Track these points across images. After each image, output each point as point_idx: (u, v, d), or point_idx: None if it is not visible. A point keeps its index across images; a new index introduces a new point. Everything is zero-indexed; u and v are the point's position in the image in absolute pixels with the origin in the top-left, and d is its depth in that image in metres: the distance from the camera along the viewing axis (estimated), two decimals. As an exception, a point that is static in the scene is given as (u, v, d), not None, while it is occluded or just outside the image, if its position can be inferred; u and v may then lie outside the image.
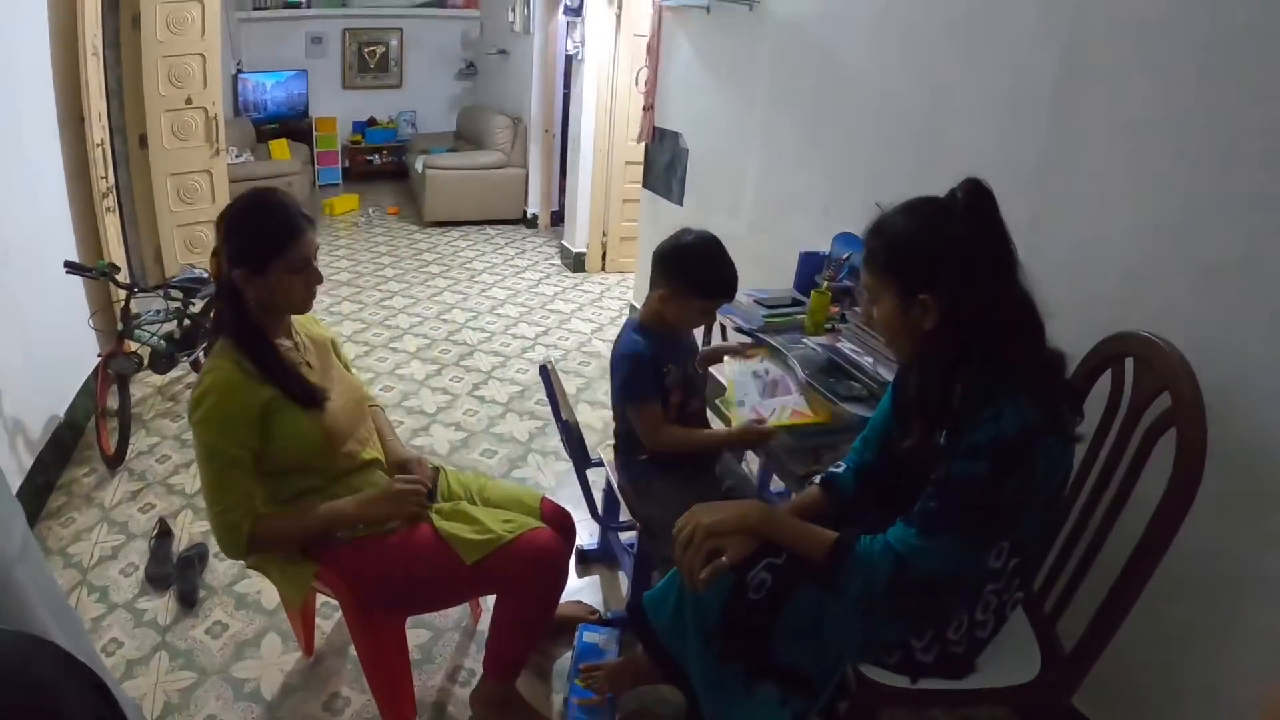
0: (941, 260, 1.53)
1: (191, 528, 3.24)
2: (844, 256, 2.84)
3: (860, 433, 1.97)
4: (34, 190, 3.70)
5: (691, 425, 2.48)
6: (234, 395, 1.91)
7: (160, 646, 2.57)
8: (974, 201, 1.52)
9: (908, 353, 1.69)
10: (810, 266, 2.97)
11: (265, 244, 1.93)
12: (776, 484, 3.05)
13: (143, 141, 5.01)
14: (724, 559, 1.66)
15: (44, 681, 0.83)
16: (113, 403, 3.68)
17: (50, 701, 0.82)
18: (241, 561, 2.03)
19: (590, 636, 2.56)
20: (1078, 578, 1.85)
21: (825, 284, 2.71)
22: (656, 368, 2.38)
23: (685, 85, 4.56)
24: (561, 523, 2.33)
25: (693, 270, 2.32)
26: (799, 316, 2.72)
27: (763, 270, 3.49)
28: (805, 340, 2.53)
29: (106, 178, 4.38)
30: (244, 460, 1.93)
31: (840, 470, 1.93)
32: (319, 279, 2.04)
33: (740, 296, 2.92)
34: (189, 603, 2.77)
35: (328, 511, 2.03)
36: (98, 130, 4.23)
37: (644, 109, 5.03)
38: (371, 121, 10.52)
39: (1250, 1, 1.75)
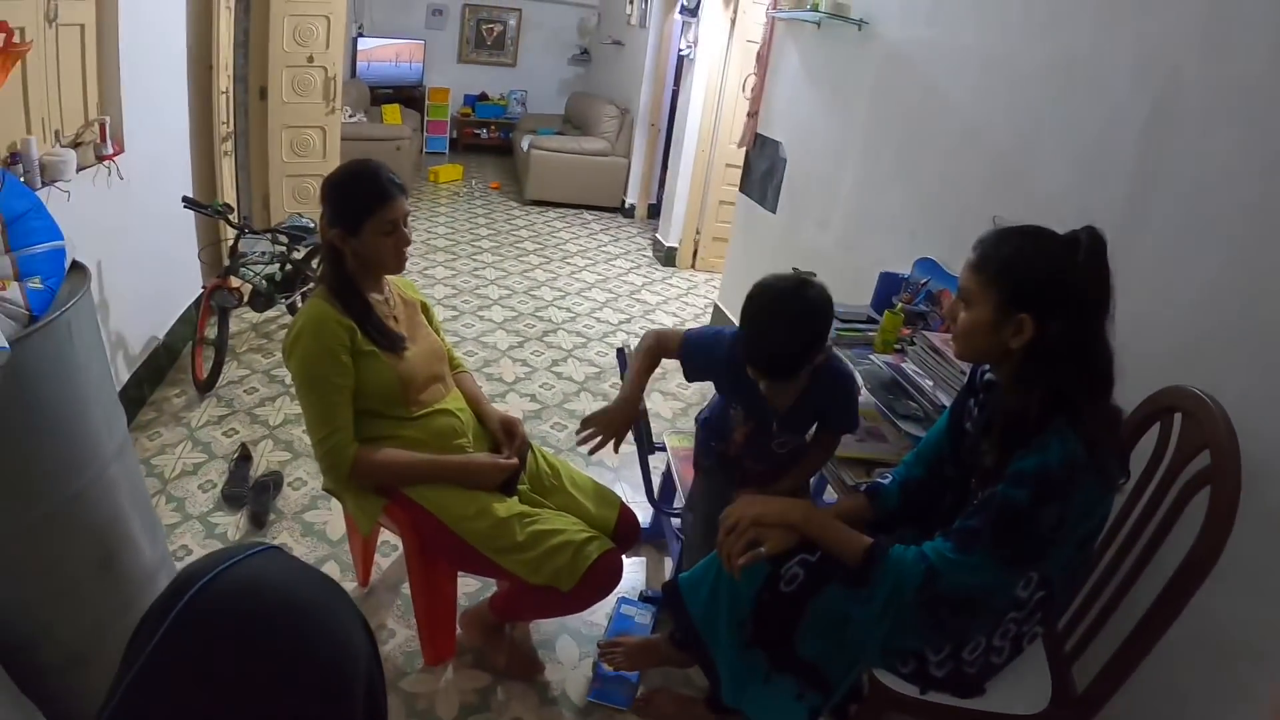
0: (1055, 288, 1.58)
1: (270, 456, 3.47)
2: (923, 281, 2.92)
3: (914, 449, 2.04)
4: (161, 128, 3.95)
5: (747, 484, 2.29)
6: (327, 328, 2.10)
7: (227, 559, 2.78)
8: (1095, 246, 1.58)
9: (974, 359, 1.77)
10: (889, 287, 3.05)
11: (358, 207, 2.13)
12: (830, 494, 3.14)
13: (263, 93, 5.26)
14: (762, 549, 1.77)
15: (346, 620, 0.93)
16: (210, 333, 3.94)
17: (347, 635, 0.92)
18: (314, 490, 2.18)
19: (627, 610, 2.72)
20: (1100, 622, 1.88)
21: (900, 306, 2.79)
22: (733, 375, 2.15)
23: (790, 96, 4.62)
24: (630, 529, 2.45)
25: (743, 320, 2.03)
26: (870, 334, 2.81)
27: (844, 285, 3.56)
28: (872, 357, 2.62)
29: (227, 123, 4.66)
30: (344, 389, 2.12)
31: (887, 482, 2.01)
32: (407, 241, 2.21)
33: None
34: (259, 523, 2.98)
35: (429, 463, 2.21)
36: (223, 79, 4.50)
37: (748, 115, 5.12)
38: (483, 96, 10.78)
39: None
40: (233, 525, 2.98)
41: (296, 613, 0.88)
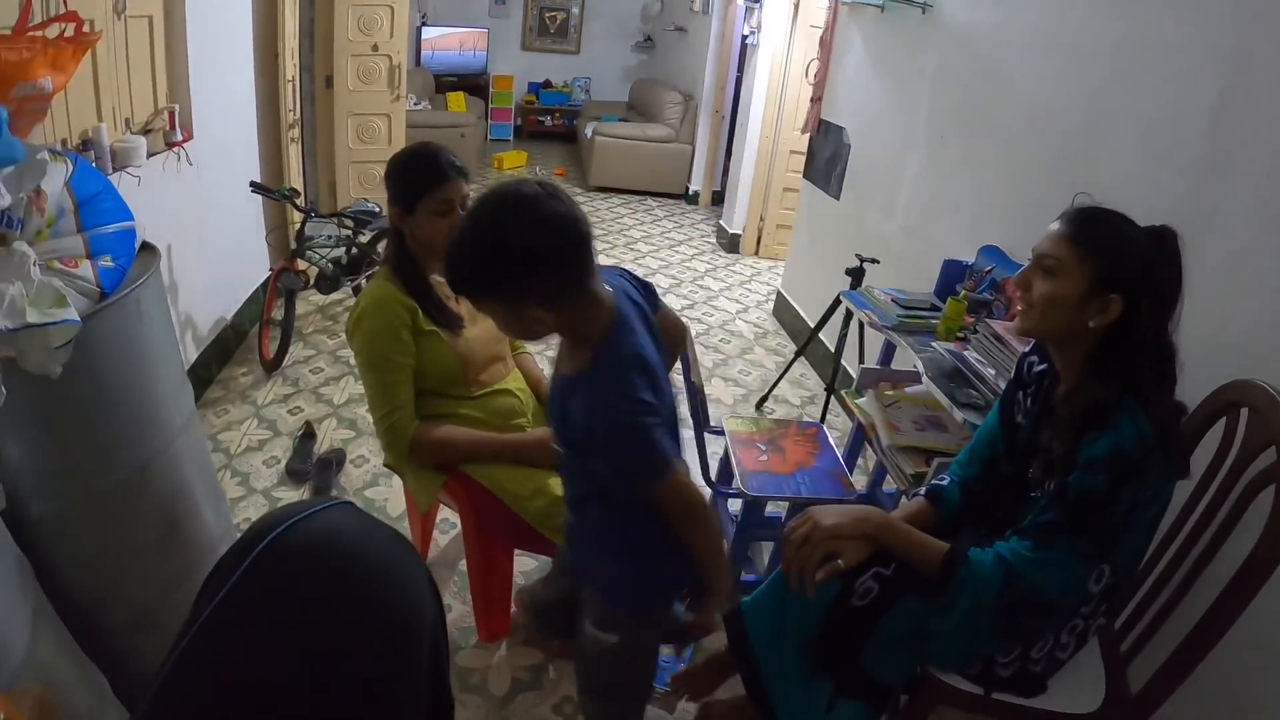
0: (1149, 276, 1.55)
1: (334, 434, 3.54)
2: (987, 269, 2.87)
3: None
4: (229, 115, 4.04)
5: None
6: (388, 307, 2.14)
7: (290, 532, 2.85)
8: (1175, 246, 1.57)
9: (1046, 334, 1.68)
10: (952, 274, 3.00)
11: (415, 186, 2.15)
12: (889, 484, 3.10)
13: (328, 82, 5.36)
14: (839, 561, 1.66)
15: (416, 576, 0.95)
16: (277, 314, 4.03)
17: (416, 591, 0.94)
18: (376, 468, 2.20)
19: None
20: (1158, 622, 1.82)
21: (964, 293, 2.75)
22: None
23: (854, 81, 4.57)
24: None
25: None
26: (933, 321, 2.77)
27: (907, 272, 3.54)
28: (934, 344, 2.59)
29: (294, 111, 4.76)
30: (406, 368, 2.16)
31: (945, 484, 1.94)
32: None
33: (879, 294, 2.99)
34: (321, 498, 3.04)
35: (487, 441, 2.24)
36: (289, 67, 4.61)
37: (812, 100, 5.07)
38: (547, 84, 10.85)
39: None
40: (295, 499, 3.03)
41: (369, 565, 0.90)
